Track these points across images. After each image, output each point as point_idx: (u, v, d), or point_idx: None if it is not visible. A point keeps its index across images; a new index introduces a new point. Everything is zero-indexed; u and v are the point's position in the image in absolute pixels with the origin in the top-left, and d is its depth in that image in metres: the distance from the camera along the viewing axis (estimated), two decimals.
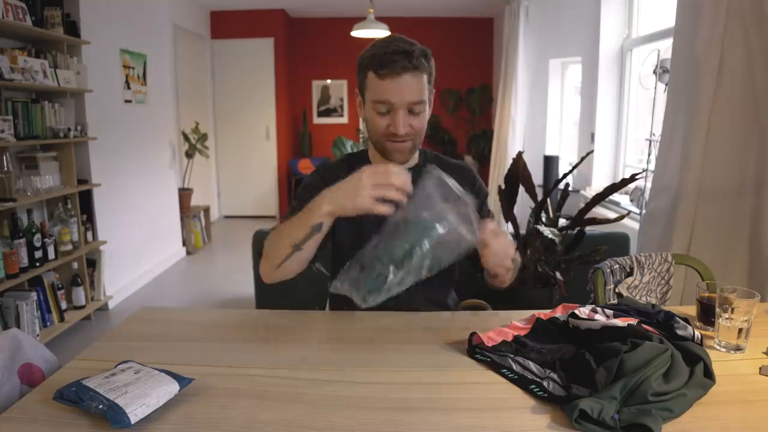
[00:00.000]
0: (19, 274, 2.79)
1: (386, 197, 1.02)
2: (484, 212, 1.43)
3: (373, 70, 1.20)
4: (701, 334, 1.07)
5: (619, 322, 1.04)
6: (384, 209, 1.02)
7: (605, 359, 0.93)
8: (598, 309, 1.14)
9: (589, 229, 2.54)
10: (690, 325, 1.06)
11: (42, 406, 0.88)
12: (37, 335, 2.91)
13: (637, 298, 1.68)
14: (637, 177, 2.33)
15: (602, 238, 2.61)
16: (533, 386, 0.94)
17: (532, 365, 1.00)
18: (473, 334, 1.10)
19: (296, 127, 7.12)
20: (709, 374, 0.94)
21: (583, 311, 1.11)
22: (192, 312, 1.54)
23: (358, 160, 1.41)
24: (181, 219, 5.05)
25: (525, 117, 5.38)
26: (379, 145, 1.31)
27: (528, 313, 1.26)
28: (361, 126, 7.11)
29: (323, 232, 1.11)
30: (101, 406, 0.81)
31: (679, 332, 1.04)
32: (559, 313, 1.19)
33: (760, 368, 1.01)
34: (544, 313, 1.23)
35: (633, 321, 1.06)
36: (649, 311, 1.13)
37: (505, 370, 1.00)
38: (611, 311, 1.14)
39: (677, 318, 1.07)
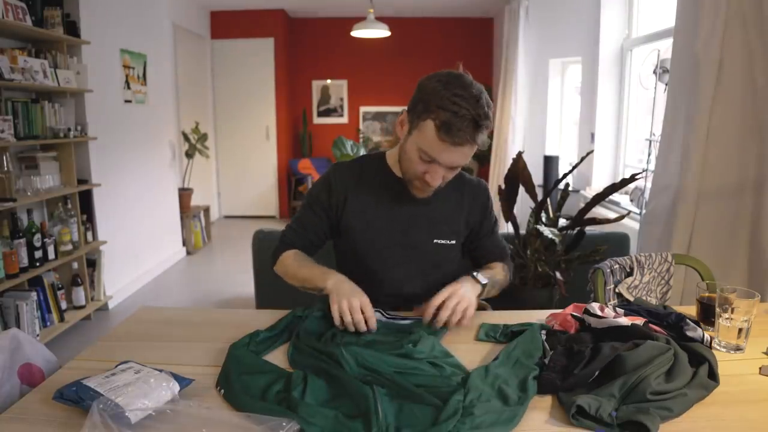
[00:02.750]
0: (19, 274, 2.79)
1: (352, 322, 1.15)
2: (485, 229, 1.46)
3: (435, 125, 1.15)
4: (710, 336, 1.07)
5: (625, 320, 1.04)
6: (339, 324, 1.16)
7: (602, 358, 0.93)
8: (609, 305, 1.14)
9: (589, 229, 2.54)
10: (700, 327, 1.06)
11: (42, 406, 0.88)
12: (37, 335, 2.91)
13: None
14: (637, 177, 2.33)
15: (602, 238, 2.61)
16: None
17: (547, 346, 1.04)
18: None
19: (296, 127, 7.12)
20: (713, 376, 0.94)
21: (594, 306, 1.12)
22: (192, 312, 1.54)
23: (374, 165, 1.42)
24: (181, 219, 5.05)
25: (525, 117, 5.37)
26: (408, 177, 1.31)
27: (527, 314, 1.27)
28: (361, 126, 7.11)
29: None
30: (101, 406, 0.81)
31: (689, 333, 1.05)
32: (571, 311, 1.18)
33: (760, 368, 1.01)
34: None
35: (639, 321, 1.06)
36: (660, 312, 1.14)
37: None
38: (621, 310, 1.14)
39: (688, 320, 1.08)
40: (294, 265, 1.37)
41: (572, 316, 1.14)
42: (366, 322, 1.14)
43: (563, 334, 1.09)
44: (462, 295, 1.19)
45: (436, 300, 1.19)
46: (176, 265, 4.83)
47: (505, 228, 2.88)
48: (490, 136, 6.18)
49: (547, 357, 1.00)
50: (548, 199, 2.61)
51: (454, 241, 1.40)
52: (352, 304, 1.15)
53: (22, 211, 3.00)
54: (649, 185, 2.78)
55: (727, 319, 1.08)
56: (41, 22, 3.03)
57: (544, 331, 1.12)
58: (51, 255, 3.04)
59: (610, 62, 4.22)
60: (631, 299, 1.60)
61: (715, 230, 2.24)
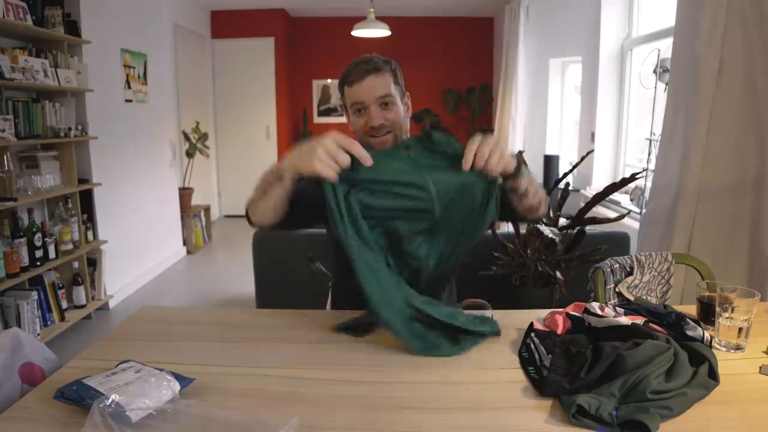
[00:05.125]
0: (20, 273, 2.79)
1: (338, 161, 1.07)
2: None
3: (345, 83, 1.39)
4: (710, 335, 1.07)
5: (625, 320, 1.04)
6: (329, 175, 1.06)
7: (604, 358, 0.93)
8: (609, 305, 1.15)
9: (590, 229, 2.54)
10: (700, 326, 1.06)
11: (43, 406, 0.88)
12: (38, 334, 2.91)
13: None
14: (637, 176, 2.33)
15: (602, 237, 2.61)
16: (531, 368, 0.99)
17: (542, 349, 1.04)
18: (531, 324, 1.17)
19: (297, 127, 7.12)
20: (713, 375, 0.94)
21: (594, 305, 1.12)
22: (192, 312, 1.54)
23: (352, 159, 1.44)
24: (182, 218, 5.05)
25: (525, 116, 5.38)
26: (364, 144, 1.34)
27: (527, 313, 1.27)
28: None
29: (285, 188, 1.15)
30: (102, 405, 0.81)
31: (689, 333, 1.05)
32: (571, 311, 1.18)
33: (760, 367, 1.01)
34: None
35: (639, 320, 1.06)
36: (660, 311, 1.14)
37: (522, 348, 1.07)
38: (621, 309, 1.14)
39: (688, 319, 1.08)
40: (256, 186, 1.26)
41: (567, 315, 1.14)
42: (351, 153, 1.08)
43: (557, 336, 1.09)
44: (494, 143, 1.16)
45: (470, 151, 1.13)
46: (177, 264, 4.84)
47: (505, 227, 2.88)
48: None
49: (539, 351, 1.01)
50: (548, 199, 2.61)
51: None
52: (326, 145, 1.06)
53: (23, 211, 3.00)
54: (649, 185, 2.78)
55: (727, 318, 1.08)
56: (42, 22, 3.03)
57: (533, 334, 1.11)
58: (52, 254, 3.04)
59: (610, 62, 4.22)
60: (632, 298, 1.60)
61: (715, 230, 2.24)
